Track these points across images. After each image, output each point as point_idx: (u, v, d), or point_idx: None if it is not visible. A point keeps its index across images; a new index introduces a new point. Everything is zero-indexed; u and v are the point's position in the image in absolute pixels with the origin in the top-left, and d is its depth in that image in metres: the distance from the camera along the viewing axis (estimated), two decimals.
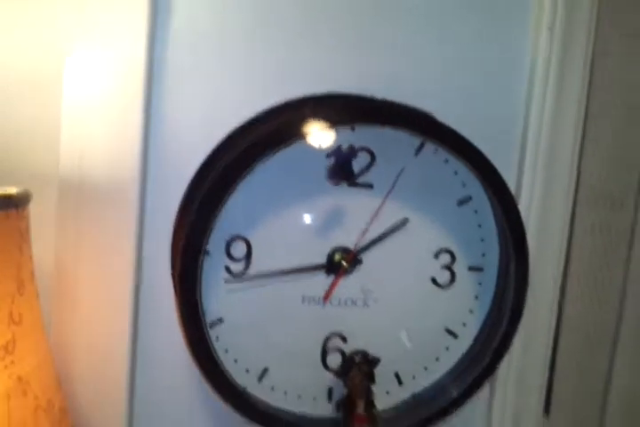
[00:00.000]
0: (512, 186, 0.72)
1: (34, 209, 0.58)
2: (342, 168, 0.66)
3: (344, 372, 0.67)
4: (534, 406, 0.81)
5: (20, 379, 0.52)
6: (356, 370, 0.65)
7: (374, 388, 0.67)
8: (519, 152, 0.77)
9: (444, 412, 0.69)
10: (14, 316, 0.52)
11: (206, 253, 0.65)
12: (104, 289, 0.67)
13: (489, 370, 0.70)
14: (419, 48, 0.72)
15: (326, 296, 0.68)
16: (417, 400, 0.72)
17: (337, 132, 0.65)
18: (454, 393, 0.69)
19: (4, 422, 0.50)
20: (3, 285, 0.51)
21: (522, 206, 0.74)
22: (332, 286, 0.68)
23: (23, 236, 0.54)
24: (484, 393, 0.80)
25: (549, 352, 0.81)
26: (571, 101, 0.75)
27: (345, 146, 0.66)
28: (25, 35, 0.65)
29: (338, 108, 0.65)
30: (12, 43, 0.65)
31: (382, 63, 0.71)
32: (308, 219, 0.68)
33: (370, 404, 0.66)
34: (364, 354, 0.68)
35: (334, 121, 0.61)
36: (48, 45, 0.65)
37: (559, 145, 0.76)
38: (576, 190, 0.80)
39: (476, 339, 0.73)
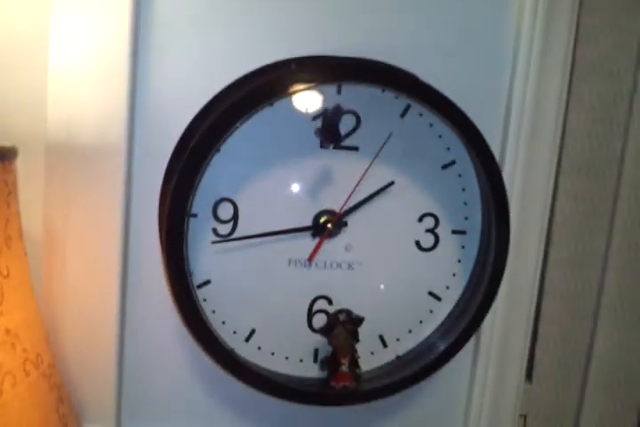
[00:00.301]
0: (496, 153, 0.73)
1: (22, 173, 0.58)
2: (329, 130, 0.67)
3: (328, 330, 0.68)
4: (516, 373, 0.83)
5: (8, 331, 0.53)
6: (341, 328, 0.67)
7: (358, 348, 0.69)
8: (503, 120, 0.77)
9: (427, 370, 0.70)
10: (2, 269, 0.53)
11: (193, 215, 0.66)
12: (93, 250, 0.67)
13: (471, 327, 0.71)
14: (403, 11, 0.72)
15: (311, 257, 0.69)
16: (401, 361, 0.73)
17: (323, 94, 0.66)
18: (441, 347, 0.71)
19: None
20: None
21: (505, 173, 0.75)
22: (317, 246, 0.69)
23: (10, 190, 0.54)
24: (465, 361, 0.81)
25: (532, 318, 0.82)
26: (555, 69, 0.76)
27: (331, 107, 0.66)
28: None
29: (324, 68, 0.65)
30: None
31: (370, 28, 0.71)
32: (294, 181, 0.69)
33: (354, 362, 0.67)
34: (349, 313, 0.69)
35: (320, 79, 0.62)
36: (33, 8, 0.65)
37: (543, 113, 0.77)
38: (559, 158, 0.81)
39: (459, 302, 0.74)
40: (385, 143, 0.69)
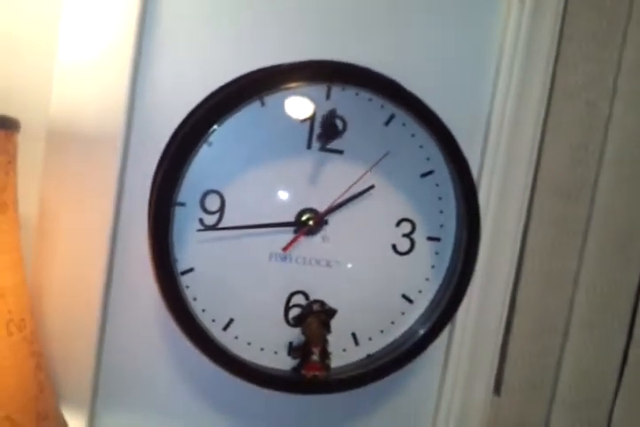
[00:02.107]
0: (474, 169, 0.77)
1: (22, 153, 0.61)
2: (328, 127, 0.71)
3: (302, 319, 0.70)
4: (484, 386, 0.84)
5: None
6: (314, 318, 0.69)
7: (331, 344, 0.71)
8: (482, 139, 0.81)
9: (395, 364, 0.72)
10: None
11: (182, 204, 0.69)
12: (83, 232, 0.70)
13: (433, 332, 0.75)
14: (395, 26, 0.77)
15: (286, 247, 0.72)
16: (371, 360, 0.75)
17: (313, 99, 0.71)
18: (408, 346, 0.73)
19: None
20: None
21: (481, 189, 0.79)
22: (295, 238, 0.72)
23: (10, 160, 0.58)
24: (435, 372, 0.83)
25: (501, 333, 0.84)
26: (534, 94, 0.81)
27: (322, 111, 0.71)
28: None
29: (313, 69, 0.69)
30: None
31: (361, 40, 0.76)
32: (279, 179, 0.72)
33: (325, 353, 0.69)
34: (322, 303, 0.71)
35: (310, 79, 0.67)
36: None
37: (520, 135, 0.81)
38: (534, 181, 0.84)
39: (429, 306, 0.77)
40: (381, 160, 0.73)
